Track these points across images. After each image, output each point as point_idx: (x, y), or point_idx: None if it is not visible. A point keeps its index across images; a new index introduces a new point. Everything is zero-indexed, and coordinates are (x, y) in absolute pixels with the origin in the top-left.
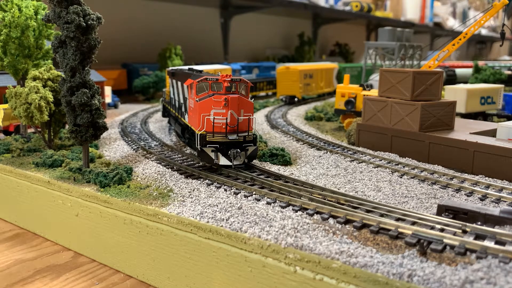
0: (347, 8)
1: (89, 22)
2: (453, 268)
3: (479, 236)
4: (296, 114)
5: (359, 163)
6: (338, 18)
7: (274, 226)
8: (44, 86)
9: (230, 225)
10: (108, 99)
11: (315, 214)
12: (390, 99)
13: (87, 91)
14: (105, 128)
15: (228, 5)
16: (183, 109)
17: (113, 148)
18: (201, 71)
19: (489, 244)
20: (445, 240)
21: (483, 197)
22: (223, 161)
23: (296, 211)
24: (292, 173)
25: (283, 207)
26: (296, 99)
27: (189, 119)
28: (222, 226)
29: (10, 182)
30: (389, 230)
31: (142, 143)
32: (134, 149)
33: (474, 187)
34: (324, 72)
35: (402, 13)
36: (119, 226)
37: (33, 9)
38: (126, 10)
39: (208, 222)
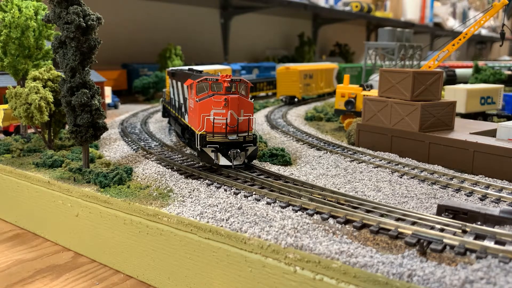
0: (347, 8)
1: (89, 23)
2: (453, 268)
3: (479, 236)
4: (296, 115)
5: (359, 163)
6: (338, 18)
7: (274, 226)
8: (44, 87)
9: (230, 225)
10: (108, 99)
11: (315, 214)
12: (390, 99)
13: (87, 91)
14: (105, 128)
15: (228, 5)
16: (183, 110)
17: (113, 148)
18: (201, 72)
19: (489, 244)
20: (445, 240)
21: (483, 197)
22: (223, 161)
23: (296, 211)
24: (292, 173)
25: (283, 207)
26: (296, 100)
27: (189, 120)
28: (222, 226)
29: (10, 183)
30: (389, 230)
31: (142, 143)
32: (134, 150)
33: (474, 187)
34: (324, 73)
35: (402, 13)
36: (119, 227)
37: (33, 10)
38: (126, 10)
39: (208, 222)
